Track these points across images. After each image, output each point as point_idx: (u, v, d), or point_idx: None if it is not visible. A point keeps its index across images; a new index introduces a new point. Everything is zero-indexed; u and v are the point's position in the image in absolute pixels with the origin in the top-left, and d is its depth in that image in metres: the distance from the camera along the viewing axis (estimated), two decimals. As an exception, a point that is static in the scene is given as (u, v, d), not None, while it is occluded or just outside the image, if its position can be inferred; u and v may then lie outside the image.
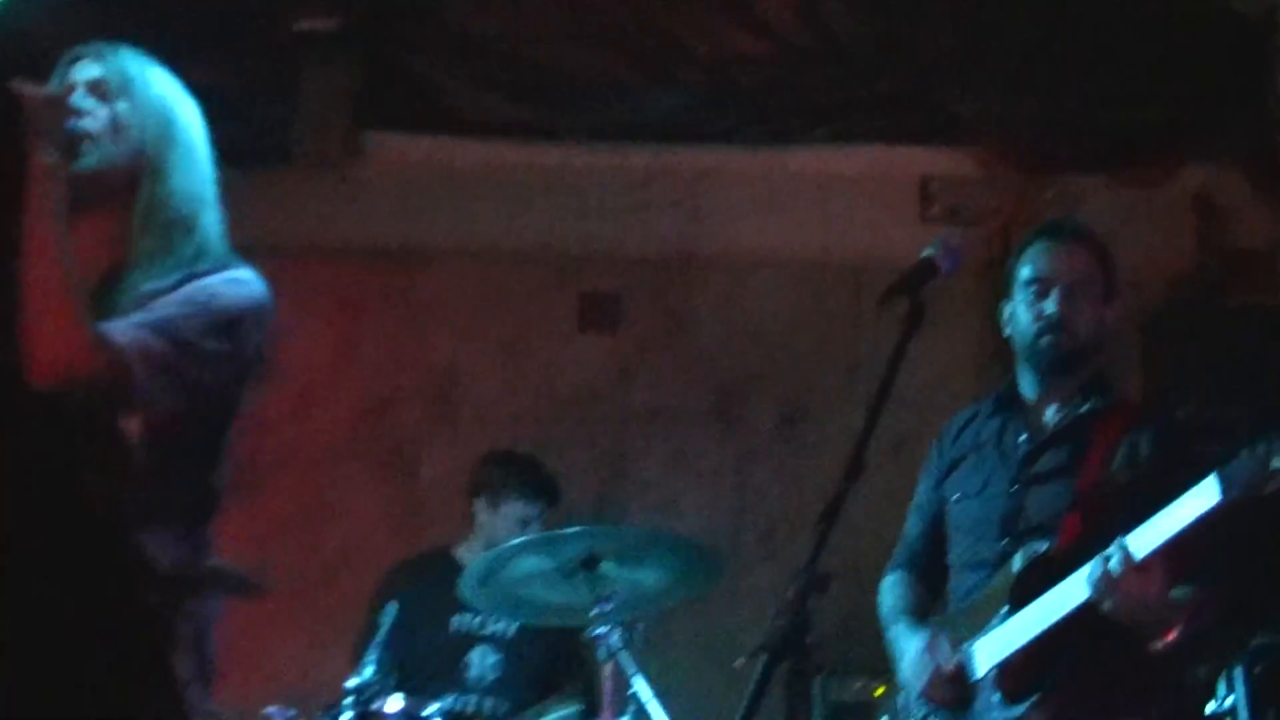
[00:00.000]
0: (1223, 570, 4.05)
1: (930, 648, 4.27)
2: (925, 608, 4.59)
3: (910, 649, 4.33)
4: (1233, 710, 5.15)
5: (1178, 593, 3.93)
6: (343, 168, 7.46)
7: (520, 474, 6.34)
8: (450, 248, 7.59)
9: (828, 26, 7.21)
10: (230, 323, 3.20)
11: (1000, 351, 4.80)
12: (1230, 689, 5.15)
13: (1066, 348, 4.33)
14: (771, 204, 7.60)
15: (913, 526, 4.73)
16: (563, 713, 5.79)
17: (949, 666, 4.20)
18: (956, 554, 4.49)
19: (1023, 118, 7.45)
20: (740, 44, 7.28)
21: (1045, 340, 4.33)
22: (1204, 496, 3.72)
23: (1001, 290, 4.56)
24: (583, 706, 5.79)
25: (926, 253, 3.54)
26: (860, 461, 3.09)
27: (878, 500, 4.59)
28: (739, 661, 3.58)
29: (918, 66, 7.39)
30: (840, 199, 7.58)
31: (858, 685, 6.28)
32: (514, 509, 6.25)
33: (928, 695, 4.26)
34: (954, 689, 4.19)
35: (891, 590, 4.69)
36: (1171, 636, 3.92)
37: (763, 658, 2.82)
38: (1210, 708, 5.16)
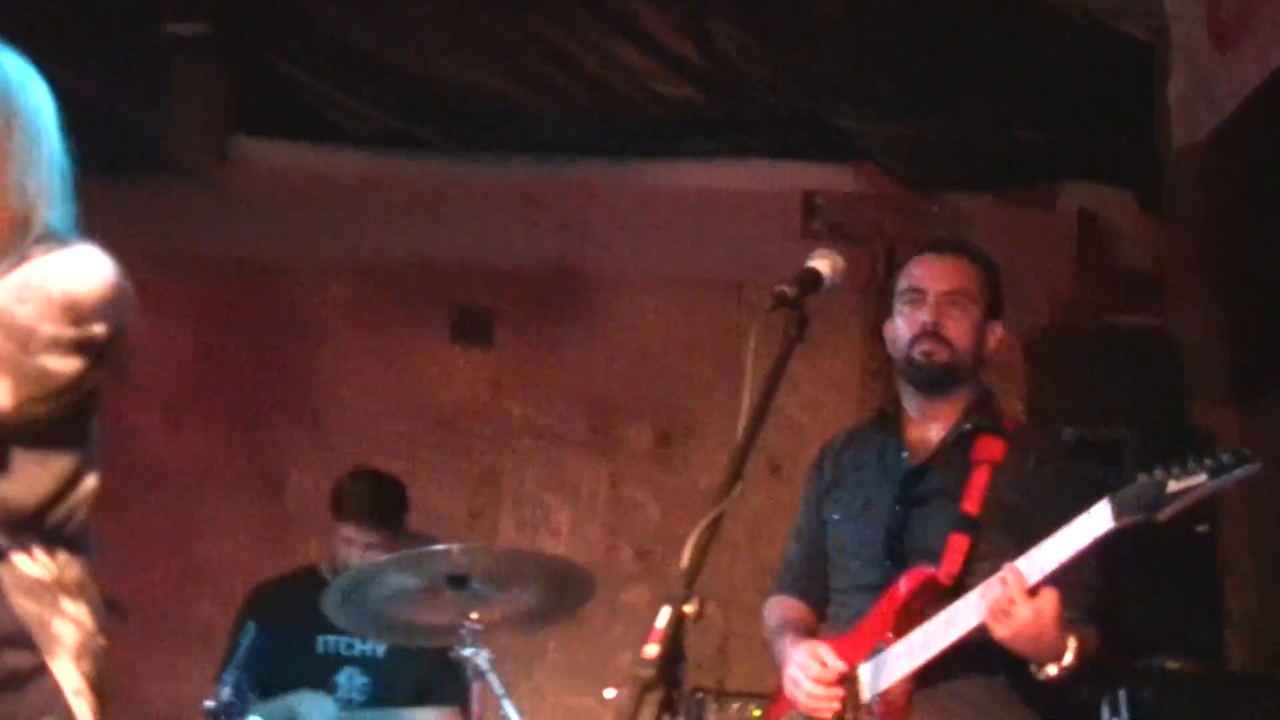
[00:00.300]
0: (1113, 593, 3.97)
1: (814, 653, 4.13)
2: (811, 627, 4.46)
3: (797, 654, 4.18)
4: None
5: (1069, 616, 3.83)
6: (213, 175, 7.39)
7: (356, 496, 6.09)
8: (322, 259, 7.50)
9: (715, 42, 7.17)
10: (71, 304, 2.98)
11: (882, 372, 4.73)
12: (1115, 713, 5.10)
13: (941, 357, 4.19)
14: (652, 219, 7.58)
15: (794, 549, 4.59)
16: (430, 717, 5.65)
17: (835, 670, 4.07)
18: (839, 577, 4.36)
19: (908, 136, 7.46)
20: (626, 58, 7.23)
21: (919, 350, 4.21)
22: (1096, 521, 3.64)
23: (884, 310, 4.46)
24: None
25: (811, 263, 3.43)
26: (738, 475, 2.94)
27: (755, 521, 4.52)
28: (608, 693, 3.49)
29: (805, 83, 7.36)
30: (722, 214, 7.55)
31: (735, 707, 6.10)
32: (348, 531, 6.02)
33: (809, 705, 4.13)
34: (840, 691, 4.07)
35: (776, 612, 4.54)
36: (1066, 662, 3.82)
37: (634, 687, 2.67)
38: None
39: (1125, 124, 7.29)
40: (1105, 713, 5.13)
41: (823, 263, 3.41)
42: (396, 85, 7.30)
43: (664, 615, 2.67)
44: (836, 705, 4.07)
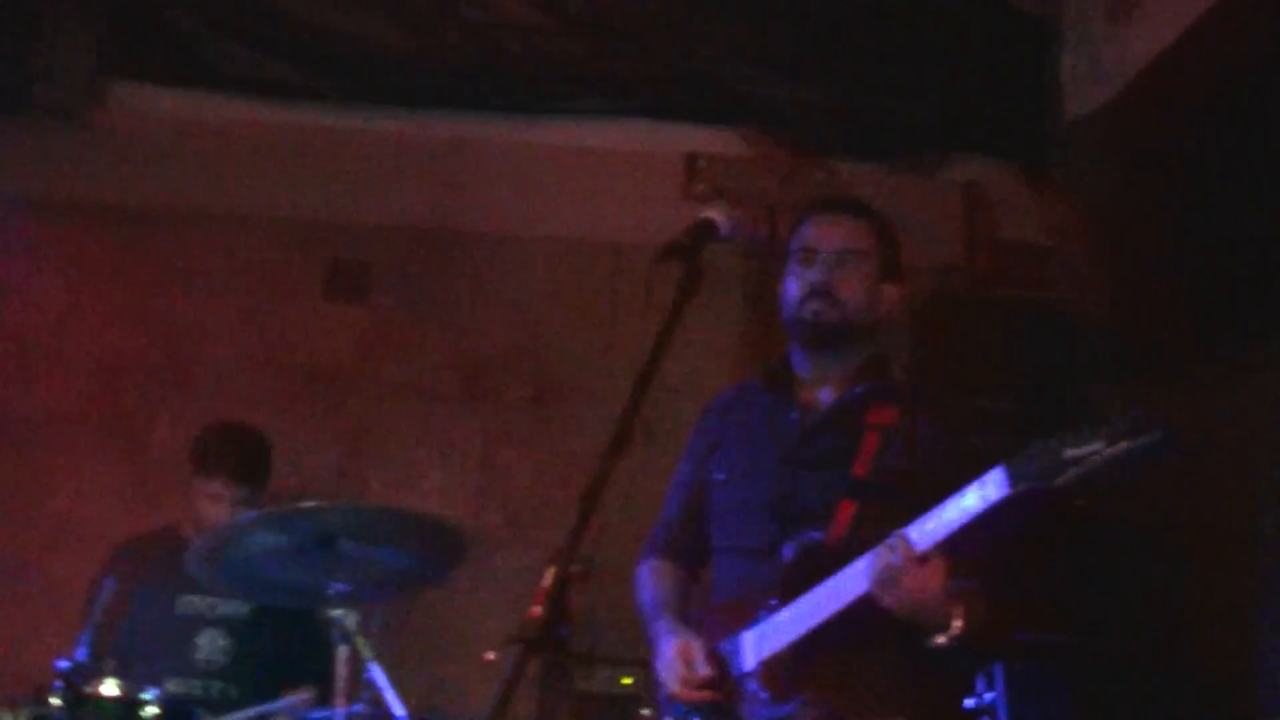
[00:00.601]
0: (998, 565, 3.89)
1: (683, 652, 4.03)
2: (686, 596, 4.34)
3: (667, 650, 4.08)
4: (991, 706, 5.07)
5: (957, 586, 3.75)
6: (84, 118, 7.16)
7: (221, 451, 5.91)
8: (192, 207, 7.30)
9: (602, -4, 7.06)
10: None
11: (764, 338, 4.61)
12: (990, 685, 5.06)
13: (831, 317, 4.10)
14: (532, 176, 7.46)
15: (673, 508, 4.46)
16: (295, 699, 5.49)
17: (700, 674, 3.97)
18: (722, 539, 4.25)
19: (795, 100, 7.39)
20: (510, 10, 7.14)
21: (809, 308, 4.11)
22: (990, 488, 3.54)
23: (765, 274, 4.35)
24: (317, 691, 5.49)
25: (706, 214, 3.30)
26: (627, 437, 2.82)
27: (628, 488, 4.40)
28: (489, 654, 3.36)
29: (690, 43, 7.29)
30: (603, 173, 7.45)
31: (605, 675, 6.12)
32: (212, 486, 5.84)
33: (681, 700, 4.03)
34: (708, 692, 3.98)
35: (650, 580, 4.41)
36: (953, 631, 3.73)
37: (515, 649, 2.54)
38: (969, 703, 5.05)
39: (1015, 97, 7.30)
40: (980, 685, 5.08)
41: (718, 213, 3.29)
42: (276, 31, 7.15)
43: (549, 576, 2.55)
44: (708, 696, 3.97)
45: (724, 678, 3.97)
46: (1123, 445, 3.33)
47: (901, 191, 6.99)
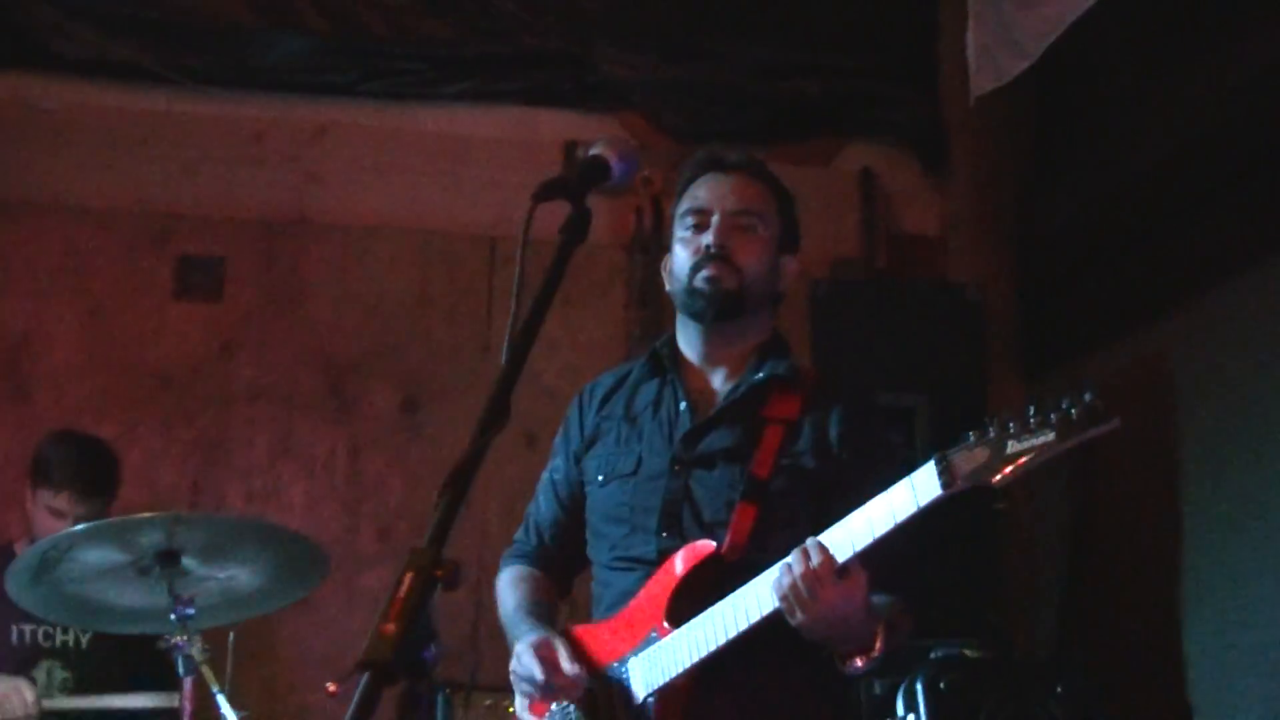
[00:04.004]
0: (918, 573, 3.43)
1: (540, 649, 3.52)
2: (554, 607, 3.84)
3: (522, 653, 3.55)
4: None
5: (877, 601, 3.31)
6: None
7: (65, 459, 5.51)
8: (28, 199, 6.92)
9: (472, -25, 6.91)
10: None
11: (646, 336, 4.18)
12: (910, 706, 4.73)
13: (728, 285, 3.62)
14: (398, 165, 7.16)
15: (543, 508, 3.95)
16: (145, 701, 5.11)
17: (568, 670, 3.47)
18: (600, 549, 3.77)
19: (678, 83, 7.20)
20: (372, -14, 6.96)
21: (702, 275, 3.63)
22: (922, 488, 3.09)
23: (649, 270, 3.88)
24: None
25: (596, 150, 2.82)
26: (501, 409, 2.33)
27: (509, 496, 4.00)
28: (331, 686, 2.88)
29: (566, 24, 7.12)
30: (475, 162, 7.17)
31: (487, 703, 5.80)
32: (58, 501, 5.44)
33: (533, 706, 3.55)
34: (567, 694, 3.50)
35: (514, 587, 3.88)
36: (874, 653, 3.29)
37: (364, 677, 2.03)
38: None
39: (908, 81, 7.21)
40: (900, 706, 4.81)
41: (609, 151, 2.81)
42: (120, 8, 6.85)
43: (405, 583, 2.05)
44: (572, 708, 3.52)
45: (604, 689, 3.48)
46: (1078, 438, 2.88)
47: (791, 180, 6.71)
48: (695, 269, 3.64)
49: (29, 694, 5.01)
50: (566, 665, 3.45)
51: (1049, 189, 6.82)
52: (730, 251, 3.62)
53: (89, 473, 5.49)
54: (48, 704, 5.08)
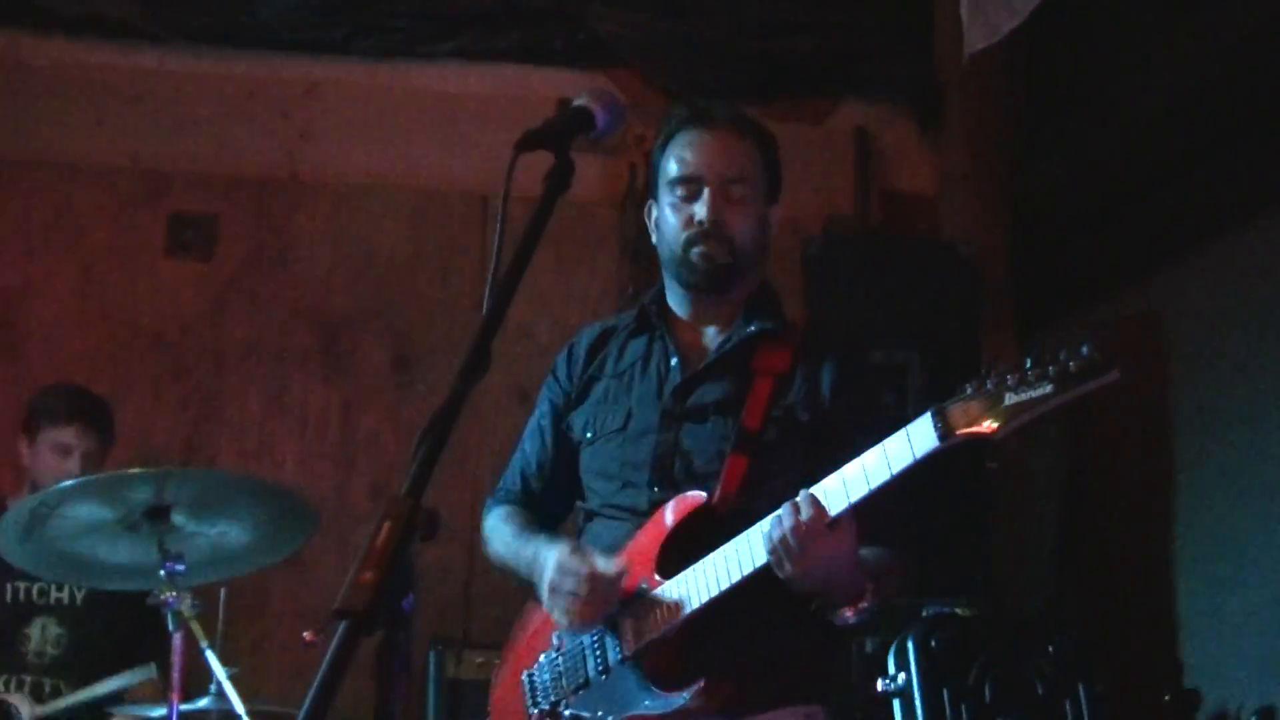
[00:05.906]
0: (910, 528, 3.43)
1: (579, 551, 3.47)
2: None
3: (558, 556, 3.48)
4: (904, 688, 4.78)
5: (865, 554, 3.30)
6: (-104, 60, 6.84)
7: (57, 396, 5.54)
8: (21, 157, 6.92)
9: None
10: None
11: (641, 293, 4.15)
12: (901, 664, 4.70)
13: (722, 259, 3.61)
14: (390, 122, 7.15)
15: (530, 457, 3.92)
16: (133, 677, 5.05)
17: (612, 570, 3.42)
18: (592, 500, 3.75)
19: (670, 40, 7.14)
20: (366, -55, 6.92)
21: (697, 251, 3.62)
22: (918, 440, 3.08)
23: (643, 226, 3.85)
24: (155, 677, 5.03)
25: (580, 101, 2.80)
26: (483, 358, 2.31)
27: (501, 452, 3.98)
28: (307, 634, 2.88)
29: None
30: (467, 120, 7.13)
31: (479, 661, 5.77)
32: (48, 436, 5.45)
33: (582, 609, 3.48)
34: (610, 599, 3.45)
35: (508, 520, 3.83)
36: (862, 605, 3.29)
37: (341, 625, 2.02)
38: (881, 685, 4.83)
39: (903, 40, 7.16)
40: (892, 664, 4.80)
41: (591, 100, 2.79)
42: None
43: (383, 531, 2.04)
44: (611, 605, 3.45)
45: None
46: (1076, 390, 2.87)
47: (786, 137, 6.70)
48: (689, 243, 3.62)
49: (25, 708, 5.01)
50: (613, 564, 3.43)
51: (1043, 147, 6.80)
52: (724, 225, 3.61)
53: (92, 409, 5.52)
54: (40, 711, 5.05)
